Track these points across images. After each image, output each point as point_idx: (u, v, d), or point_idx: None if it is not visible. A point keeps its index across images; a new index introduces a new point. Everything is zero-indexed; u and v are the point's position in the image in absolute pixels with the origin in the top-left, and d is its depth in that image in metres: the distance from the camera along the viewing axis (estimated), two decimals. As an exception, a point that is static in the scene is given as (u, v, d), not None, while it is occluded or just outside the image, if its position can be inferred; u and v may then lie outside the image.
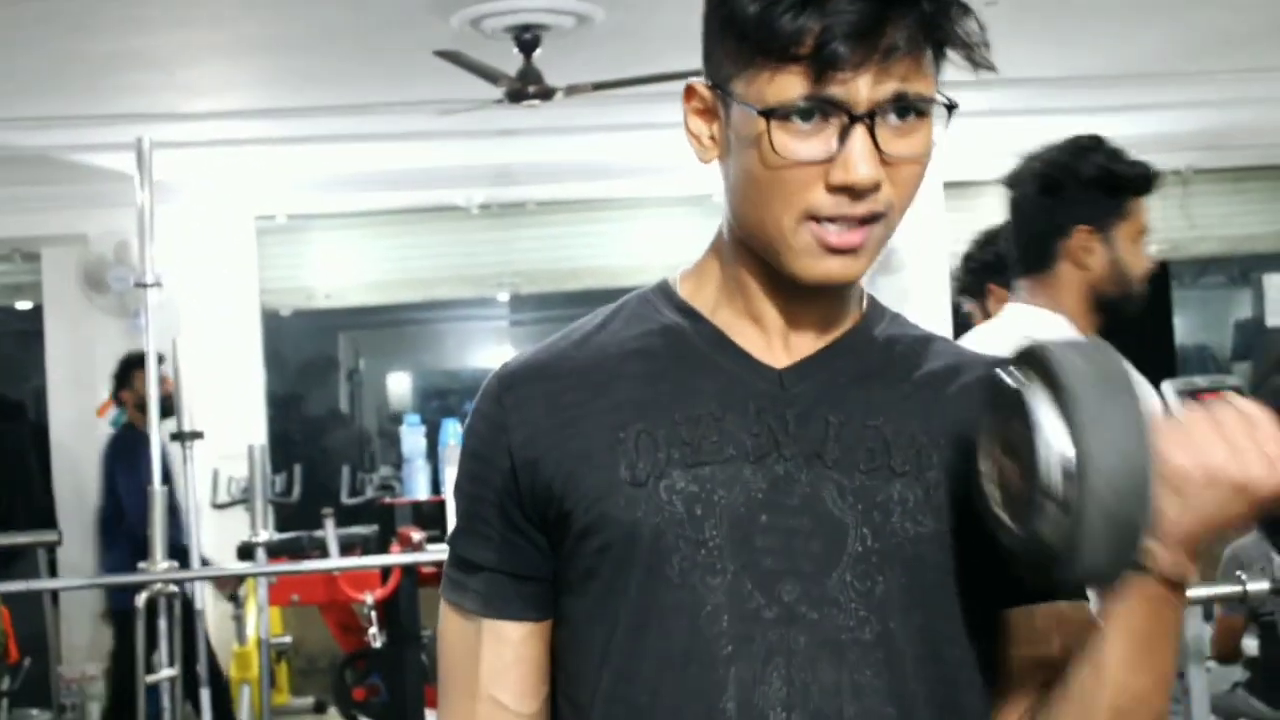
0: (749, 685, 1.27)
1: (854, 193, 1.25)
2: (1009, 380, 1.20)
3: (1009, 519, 1.21)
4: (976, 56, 1.28)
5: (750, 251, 1.34)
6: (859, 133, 1.24)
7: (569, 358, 1.39)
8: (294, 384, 10.97)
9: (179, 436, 5.52)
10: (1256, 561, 3.47)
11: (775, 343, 1.36)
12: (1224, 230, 8.62)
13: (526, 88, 5.28)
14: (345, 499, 7.97)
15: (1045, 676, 1.35)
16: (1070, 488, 1.13)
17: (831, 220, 1.26)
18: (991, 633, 1.37)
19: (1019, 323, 2.67)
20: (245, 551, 6.37)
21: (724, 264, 1.39)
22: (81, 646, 7.91)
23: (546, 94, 5.32)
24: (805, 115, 1.24)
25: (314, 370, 11.75)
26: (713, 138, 1.34)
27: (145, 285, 5.26)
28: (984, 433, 1.25)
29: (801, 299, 1.35)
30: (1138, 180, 2.69)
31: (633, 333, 1.39)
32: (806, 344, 1.36)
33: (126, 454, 6.90)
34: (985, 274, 3.80)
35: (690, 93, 1.34)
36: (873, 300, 1.43)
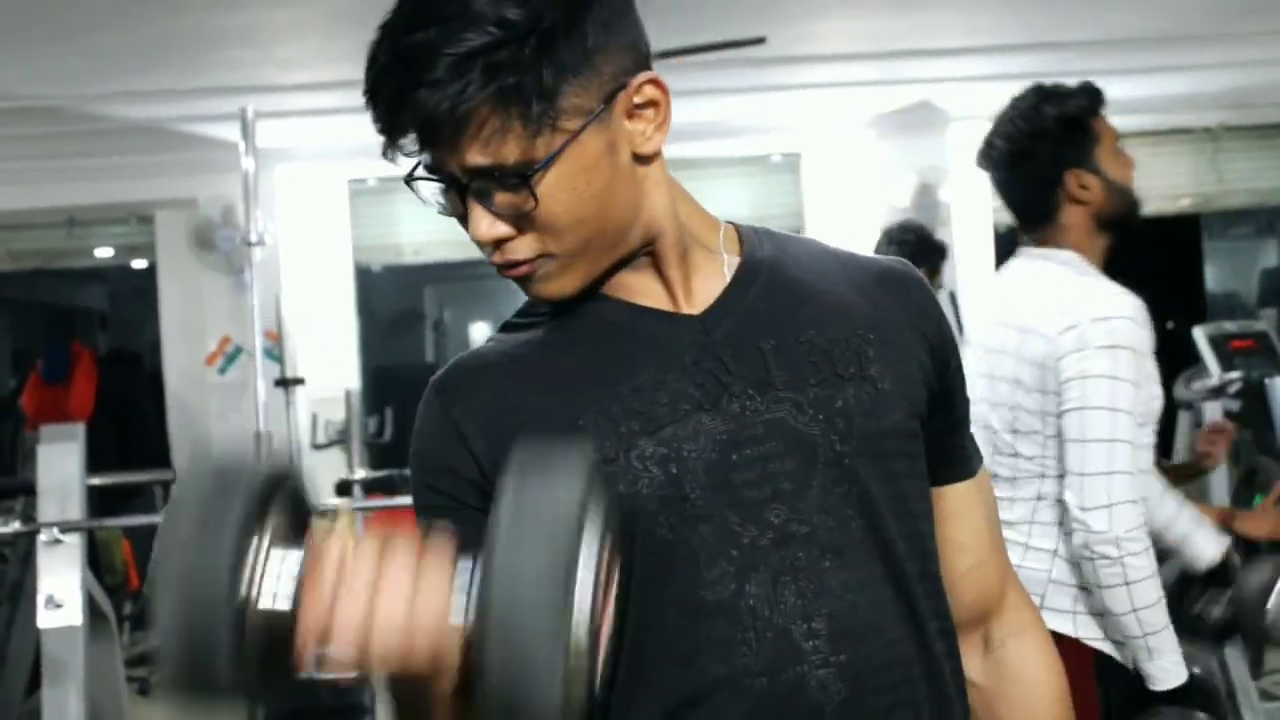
0: (765, 610, 1.24)
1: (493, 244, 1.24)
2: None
3: None
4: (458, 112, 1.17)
5: None
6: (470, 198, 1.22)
7: (497, 358, 1.35)
8: (385, 334, 11.04)
9: (282, 382, 5.57)
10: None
11: (680, 294, 1.33)
12: (1252, 184, 8.48)
13: (595, 57, 5.28)
14: (433, 439, 8.03)
15: (950, 554, 1.40)
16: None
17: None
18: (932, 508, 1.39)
19: (1025, 275, 2.63)
20: (343, 488, 6.46)
21: None
22: (196, 575, 8.02)
23: (613, 63, 5.32)
24: (440, 182, 1.23)
25: (403, 321, 11.82)
26: None
27: (250, 244, 5.32)
28: None
29: (643, 269, 1.33)
30: (1090, 103, 2.62)
31: (554, 325, 1.34)
32: (708, 288, 1.33)
33: None
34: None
35: None
36: (738, 228, 1.40)
